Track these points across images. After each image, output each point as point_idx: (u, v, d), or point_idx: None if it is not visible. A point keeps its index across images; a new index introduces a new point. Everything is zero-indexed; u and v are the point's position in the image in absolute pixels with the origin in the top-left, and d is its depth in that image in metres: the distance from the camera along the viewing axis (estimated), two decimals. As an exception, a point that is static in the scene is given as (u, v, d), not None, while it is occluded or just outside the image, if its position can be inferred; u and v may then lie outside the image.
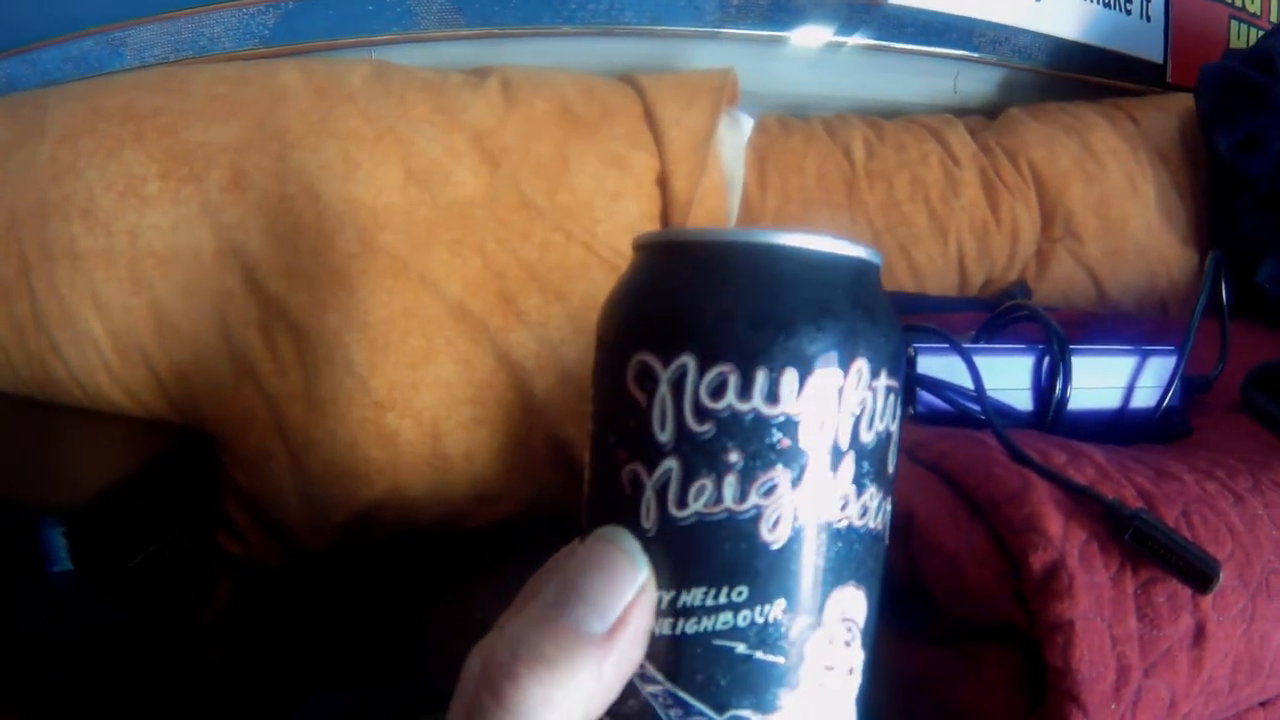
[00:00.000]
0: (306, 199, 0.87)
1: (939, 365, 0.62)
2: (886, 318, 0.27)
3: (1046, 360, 0.64)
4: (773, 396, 0.24)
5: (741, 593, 0.25)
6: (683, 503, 0.25)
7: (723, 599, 0.25)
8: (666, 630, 0.25)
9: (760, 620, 0.25)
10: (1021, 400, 0.64)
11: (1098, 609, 0.44)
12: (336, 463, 0.88)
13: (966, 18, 1.31)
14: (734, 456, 0.24)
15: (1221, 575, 0.43)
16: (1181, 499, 0.49)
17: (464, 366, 0.90)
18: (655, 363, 0.25)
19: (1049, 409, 0.63)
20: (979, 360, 0.60)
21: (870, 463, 0.26)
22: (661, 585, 0.25)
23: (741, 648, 0.25)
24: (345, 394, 0.87)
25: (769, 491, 0.24)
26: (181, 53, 1.01)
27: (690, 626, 0.25)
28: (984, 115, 1.28)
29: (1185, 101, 1.26)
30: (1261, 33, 1.49)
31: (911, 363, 0.62)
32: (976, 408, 0.60)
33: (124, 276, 0.85)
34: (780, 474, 0.24)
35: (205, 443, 0.90)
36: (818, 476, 0.25)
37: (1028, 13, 1.35)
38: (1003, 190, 1.14)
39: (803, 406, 0.24)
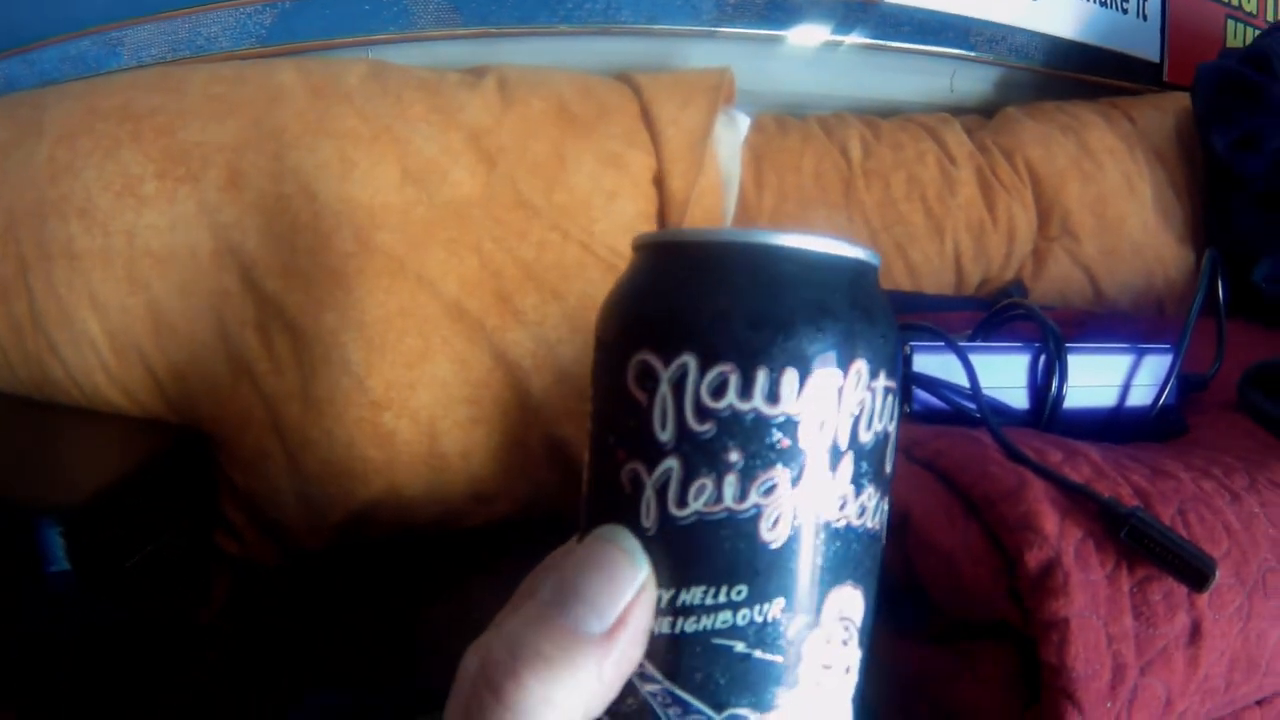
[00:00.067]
0: (303, 198, 0.87)
1: (935, 363, 0.62)
2: (885, 319, 0.27)
3: (1042, 358, 0.64)
4: (773, 396, 0.24)
5: (741, 592, 0.25)
6: (683, 502, 0.25)
7: (722, 598, 0.25)
8: (665, 629, 0.25)
9: (759, 619, 0.25)
10: (1017, 398, 0.64)
11: (1093, 607, 0.44)
12: (333, 462, 0.88)
13: (963, 17, 1.31)
14: (734, 456, 0.24)
15: (1218, 573, 0.43)
16: (1177, 497, 0.49)
17: (461, 366, 0.90)
18: (656, 362, 0.25)
19: (1045, 407, 0.63)
20: (975, 358, 0.60)
21: (869, 463, 0.26)
22: (661, 584, 0.25)
23: (740, 646, 0.25)
24: (342, 393, 0.87)
25: (769, 491, 0.24)
26: (179, 52, 1.01)
27: (689, 625, 0.25)
28: (980, 114, 1.28)
29: (1182, 100, 1.26)
30: (1258, 32, 1.50)
31: (907, 361, 0.62)
32: (972, 406, 0.60)
33: (121, 276, 0.85)
34: (780, 473, 0.24)
35: (202, 442, 0.90)
36: (817, 476, 0.25)
37: (1024, 11, 1.35)
38: (999, 189, 1.14)
39: (803, 406, 0.24)
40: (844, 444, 0.25)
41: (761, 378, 0.24)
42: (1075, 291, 1.17)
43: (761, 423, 0.24)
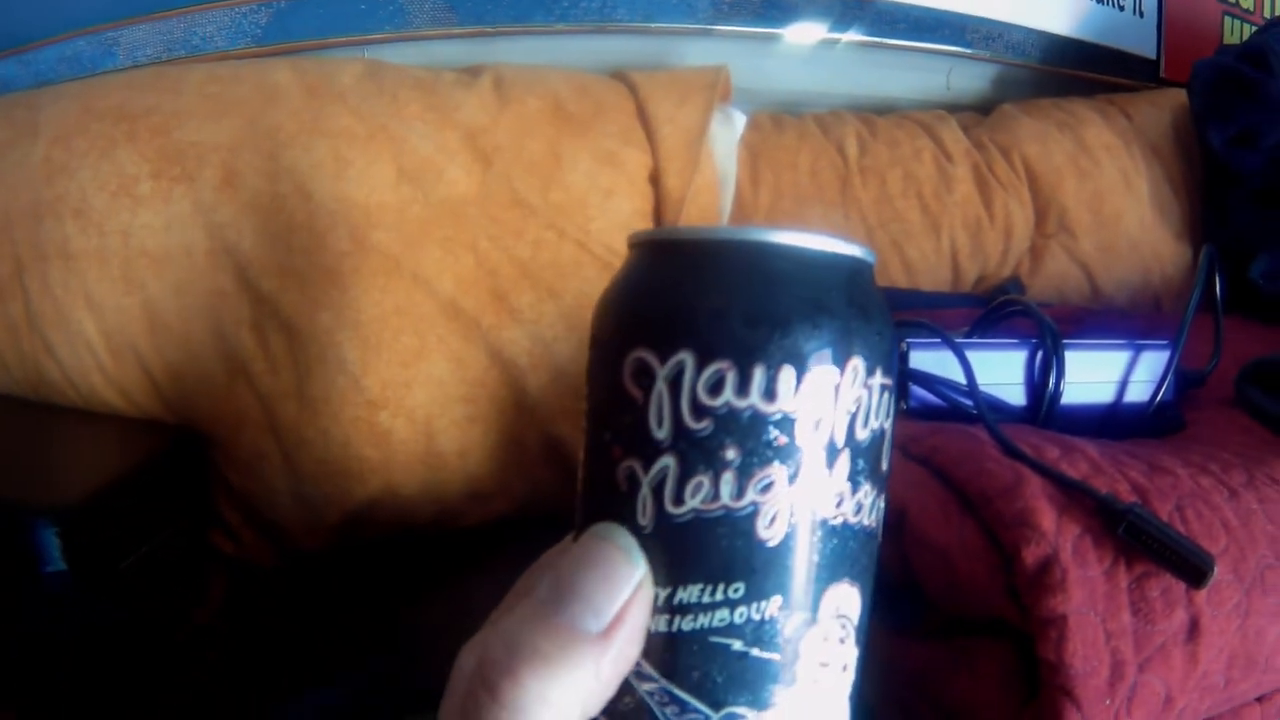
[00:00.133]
0: (299, 198, 0.87)
1: (931, 360, 0.62)
2: (881, 316, 0.27)
3: (1039, 355, 0.64)
4: (770, 393, 0.24)
5: (738, 589, 0.25)
6: (679, 499, 0.25)
7: (719, 596, 0.25)
8: (662, 628, 0.25)
9: (756, 617, 0.25)
10: (1014, 395, 0.64)
11: (1091, 604, 0.44)
12: (329, 462, 0.88)
13: (959, 14, 1.31)
14: (731, 453, 0.24)
15: (1216, 570, 0.43)
16: (1175, 494, 0.49)
17: (457, 364, 0.90)
18: (652, 359, 0.25)
19: (1042, 404, 0.63)
20: (971, 355, 0.60)
21: (865, 460, 0.26)
22: (657, 582, 0.25)
23: (737, 645, 0.25)
24: (338, 393, 0.87)
25: (766, 488, 0.24)
26: (174, 52, 1.01)
27: (686, 624, 0.25)
28: (977, 111, 1.28)
29: (1179, 97, 1.26)
30: (1254, 28, 1.49)
31: (904, 358, 0.62)
32: (969, 402, 0.60)
33: (117, 276, 0.85)
34: (777, 471, 0.24)
35: (199, 442, 0.90)
36: (814, 473, 0.25)
37: (1020, 8, 1.35)
38: (996, 186, 1.14)
39: (800, 404, 0.24)
40: (841, 441, 0.25)
41: (758, 375, 0.24)
42: (1072, 288, 1.17)
43: (758, 420, 0.24)
